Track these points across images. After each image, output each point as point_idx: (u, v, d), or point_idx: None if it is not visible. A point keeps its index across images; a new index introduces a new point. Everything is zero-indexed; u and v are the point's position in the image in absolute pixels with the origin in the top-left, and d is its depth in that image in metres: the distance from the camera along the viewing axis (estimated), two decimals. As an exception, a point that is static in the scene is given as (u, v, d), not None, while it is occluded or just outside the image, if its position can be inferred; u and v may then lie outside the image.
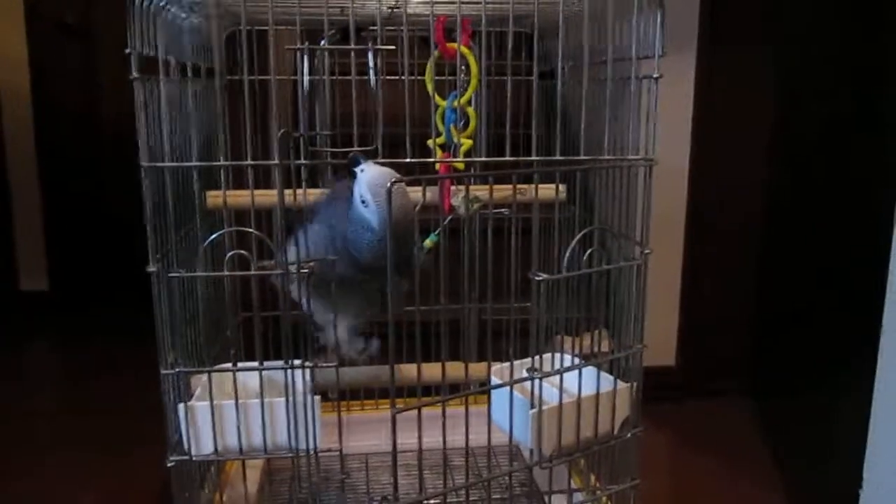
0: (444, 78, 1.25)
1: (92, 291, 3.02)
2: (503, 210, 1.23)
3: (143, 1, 0.96)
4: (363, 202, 0.98)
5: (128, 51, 0.93)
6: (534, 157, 0.99)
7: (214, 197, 1.30)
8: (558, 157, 0.98)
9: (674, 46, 1.08)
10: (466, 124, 1.24)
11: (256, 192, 1.04)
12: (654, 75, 1.00)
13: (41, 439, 2.06)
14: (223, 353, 1.27)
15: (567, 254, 0.94)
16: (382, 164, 1.00)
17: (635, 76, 1.03)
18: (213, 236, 0.97)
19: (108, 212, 2.98)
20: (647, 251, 1.02)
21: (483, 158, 1.00)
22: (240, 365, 1.02)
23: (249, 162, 0.95)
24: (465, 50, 1.22)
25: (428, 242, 1.33)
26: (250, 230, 0.97)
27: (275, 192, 0.97)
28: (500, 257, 1.02)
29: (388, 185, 0.85)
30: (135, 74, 0.93)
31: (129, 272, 2.43)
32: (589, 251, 0.96)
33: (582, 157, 1.00)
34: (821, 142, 2.04)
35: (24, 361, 2.67)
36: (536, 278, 0.92)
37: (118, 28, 2.80)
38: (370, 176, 0.97)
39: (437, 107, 1.24)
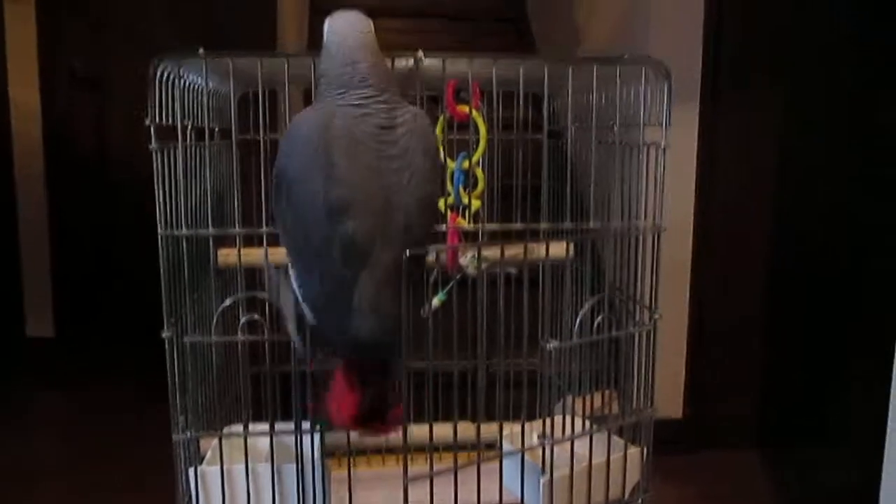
0: (453, 136, 1.27)
1: (98, 338, 3.02)
2: (512, 269, 1.25)
3: (163, 72, 0.98)
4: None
5: (147, 122, 0.95)
6: (543, 225, 1.00)
7: (226, 255, 1.32)
8: (567, 225, 0.99)
9: (677, 100, 1.10)
10: (475, 185, 1.26)
11: (270, 250, 1.06)
12: (662, 145, 1.02)
13: (45, 487, 2.04)
14: (234, 411, 1.27)
15: (577, 320, 0.95)
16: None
17: (642, 142, 1.05)
18: (227, 302, 0.98)
19: (116, 260, 3.01)
20: (656, 316, 1.03)
21: (493, 225, 1.01)
22: (250, 429, 1.03)
23: (265, 230, 0.97)
24: (474, 113, 1.25)
25: (436, 301, 1.34)
26: (263, 295, 0.98)
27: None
28: (509, 311, 1.03)
29: None
30: (154, 145, 0.95)
31: (135, 320, 2.46)
32: (599, 318, 0.97)
33: (590, 227, 1.01)
34: (826, 197, 2.05)
35: (28, 407, 2.66)
36: (548, 346, 0.93)
37: (128, 78, 2.85)
38: None
39: (446, 168, 1.26)
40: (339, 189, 0.82)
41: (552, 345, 0.93)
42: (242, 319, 0.97)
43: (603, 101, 1.12)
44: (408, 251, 0.84)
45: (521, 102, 0.99)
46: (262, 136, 1.19)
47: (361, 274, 0.83)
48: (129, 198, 2.84)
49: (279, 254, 1.12)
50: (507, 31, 3.39)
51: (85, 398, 2.68)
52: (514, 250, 1.21)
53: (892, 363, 1.28)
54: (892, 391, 1.29)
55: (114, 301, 3.00)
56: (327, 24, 0.89)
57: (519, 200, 1.09)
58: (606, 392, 1.18)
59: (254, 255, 1.12)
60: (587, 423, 1.10)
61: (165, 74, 0.99)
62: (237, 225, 1.02)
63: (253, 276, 1.14)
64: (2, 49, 2.92)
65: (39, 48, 2.96)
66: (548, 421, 1.02)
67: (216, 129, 1.26)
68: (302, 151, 0.84)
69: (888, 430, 1.29)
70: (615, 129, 1.07)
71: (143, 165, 1.06)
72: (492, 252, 1.28)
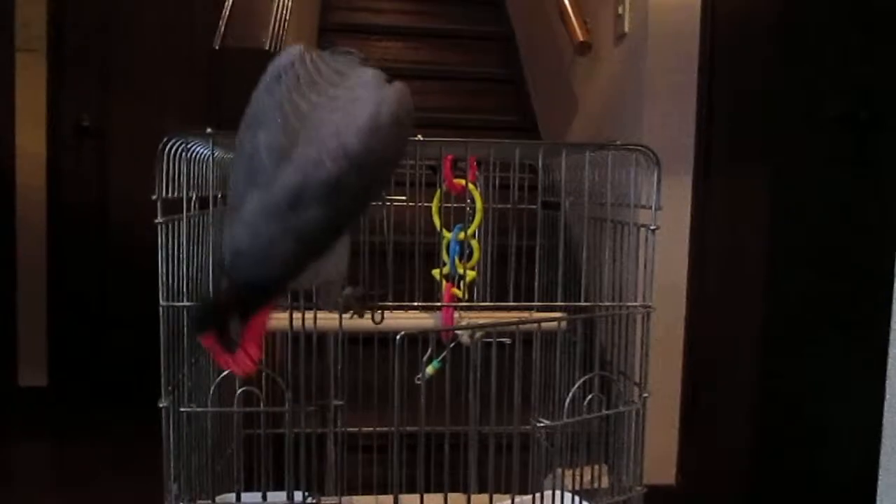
0: (450, 205, 1.31)
1: (91, 390, 3.01)
2: (505, 339, 1.27)
3: (173, 147, 1.02)
4: None
5: (154, 197, 0.98)
6: (535, 303, 1.03)
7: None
8: (559, 303, 1.02)
9: (667, 183, 1.14)
10: (471, 256, 1.30)
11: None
12: (652, 227, 1.05)
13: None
14: (226, 476, 1.28)
15: (567, 399, 0.97)
16: (390, 308, 1.04)
17: (633, 224, 1.09)
18: (225, 371, 0.99)
19: (114, 312, 3.01)
20: (645, 394, 1.05)
21: (487, 303, 1.03)
22: (243, 499, 1.03)
23: (263, 303, 0.99)
24: (471, 186, 1.29)
25: (430, 369, 1.36)
26: (260, 368, 1.00)
27: (284, 315, 1.01)
28: (503, 378, 1.05)
29: None
30: (159, 220, 0.98)
31: (131, 374, 2.47)
32: (589, 397, 0.99)
33: (582, 304, 1.04)
34: (818, 276, 2.08)
35: (20, 457, 2.64)
36: (538, 425, 0.95)
37: (133, 129, 2.91)
38: None
39: (443, 239, 1.30)
40: (261, 101, 0.82)
41: (542, 424, 0.94)
42: (239, 390, 0.99)
43: (596, 178, 1.16)
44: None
45: (515, 184, 1.03)
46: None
47: (253, 191, 0.78)
48: (129, 251, 2.87)
49: (278, 318, 1.14)
50: (506, 92, 3.47)
51: (76, 452, 2.66)
52: (507, 319, 1.24)
53: (880, 430, 1.30)
54: (882, 460, 1.30)
55: (110, 352, 3.00)
56: None
57: (513, 272, 1.12)
58: (596, 466, 1.19)
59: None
60: (577, 498, 1.11)
61: (173, 150, 1.03)
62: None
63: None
64: (11, 98, 2.98)
65: (48, 98, 3.02)
66: (538, 497, 1.03)
67: (219, 196, 1.30)
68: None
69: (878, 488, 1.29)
70: (607, 209, 1.11)
71: (146, 219, 1.08)
72: (486, 321, 1.30)
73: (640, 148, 1.04)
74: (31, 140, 3.00)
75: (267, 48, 2.21)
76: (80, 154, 3.05)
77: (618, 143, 1.05)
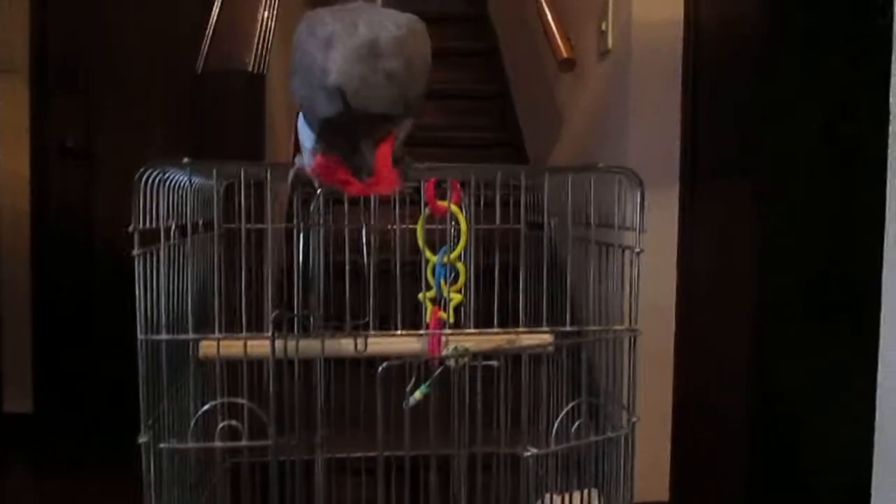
0: (434, 227, 1.30)
1: (78, 416, 2.97)
2: (493, 362, 1.26)
3: (150, 178, 1.00)
4: None
5: (130, 228, 0.96)
6: (521, 329, 1.01)
7: (208, 347, 1.32)
8: (545, 329, 1.01)
9: (653, 199, 1.13)
10: (456, 279, 1.28)
11: (250, 342, 1.06)
12: (636, 250, 1.04)
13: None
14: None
15: (555, 426, 0.96)
16: (374, 335, 1.02)
17: (617, 246, 1.08)
18: (205, 407, 0.98)
19: (98, 335, 2.98)
20: (634, 419, 1.04)
21: (472, 331, 1.02)
22: (226, 534, 1.01)
23: (244, 335, 0.98)
24: (454, 208, 1.28)
25: (418, 395, 1.34)
26: (242, 401, 0.98)
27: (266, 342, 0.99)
28: (490, 402, 1.04)
29: None
30: (136, 252, 0.97)
31: (116, 399, 2.43)
32: (577, 423, 0.97)
33: (567, 329, 1.03)
34: (806, 292, 2.08)
35: (4, 485, 2.60)
36: (525, 454, 0.93)
37: (118, 150, 2.88)
38: None
39: (427, 262, 1.28)
40: (322, 15, 0.92)
41: (530, 452, 0.93)
42: (221, 424, 0.97)
43: (581, 200, 1.15)
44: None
45: (498, 209, 1.02)
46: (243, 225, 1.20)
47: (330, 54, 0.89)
48: (116, 273, 2.84)
49: (262, 346, 1.13)
50: (493, 108, 3.48)
51: (61, 481, 2.62)
52: (494, 342, 1.23)
53: (871, 459, 1.29)
54: (874, 482, 1.30)
55: (97, 379, 2.96)
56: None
57: (497, 297, 1.11)
58: (587, 491, 1.17)
59: (235, 347, 1.13)
60: (567, 525, 1.09)
61: (150, 179, 1.01)
62: (218, 327, 1.02)
63: (235, 373, 1.14)
64: (-7, 119, 2.96)
65: (31, 119, 3.00)
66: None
67: (200, 223, 1.28)
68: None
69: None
70: (591, 230, 1.10)
71: (132, 242, 1.06)
72: (472, 344, 1.29)
73: (623, 170, 1.03)
74: (14, 161, 2.98)
75: (250, 70, 2.20)
76: (64, 176, 3.03)
77: (600, 165, 1.04)
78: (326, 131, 0.90)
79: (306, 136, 0.97)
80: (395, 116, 0.94)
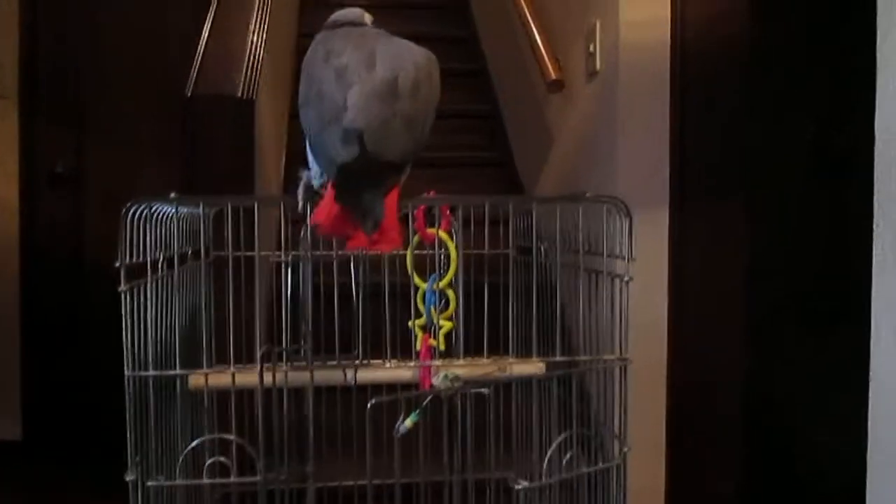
0: (424, 252, 1.30)
1: (66, 443, 2.94)
2: (483, 389, 1.25)
3: (136, 214, 1.00)
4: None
5: (117, 264, 0.96)
6: (511, 359, 1.01)
7: (197, 378, 1.31)
8: (534, 360, 1.00)
9: (643, 220, 1.13)
10: (446, 306, 1.28)
11: (238, 375, 1.05)
12: (626, 278, 1.04)
13: None
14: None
15: (546, 458, 0.95)
16: (364, 368, 1.02)
17: (605, 274, 1.08)
18: (193, 444, 0.96)
19: (88, 361, 2.95)
20: (625, 449, 1.03)
21: (462, 362, 1.02)
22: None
23: (232, 370, 0.97)
24: (444, 235, 1.28)
25: (409, 422, 1.33)
26: (231, 437, 0.97)
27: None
28: (480, 428, 1.04)
29: None
30: (123, 287, 0.96)
31: (104, 425, 2.40)
32: (568, 455, 0.97)
33: (558, 359, 1.02)
34: (800, 313, 2.08)
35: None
36: (516, 487, 0.93)
37: (107, 175, 2.87)
38: None
39: (417, 289, 1.28)
40: (334, 42, 0.95)
41: (521, 486, 0.92)
42: (209, 461, 0.96)
43: (570, 227, 1.15)
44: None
45: (487, 238, 1.02)
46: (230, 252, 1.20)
47: (350, 88, 0.89)
48: (106, 298, 2.81)
49: (250, 377, 1.12)
50: (484, 128, 3.49)
51: (51, 505, 2.59)
52: (485, 370, 1.22)
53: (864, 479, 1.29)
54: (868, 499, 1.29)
55: (87, 406, 2.92)
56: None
57: (486, 325, 1.10)
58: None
59: (224, 379, 1.12)
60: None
61: (137, 214, 1.00)
62: (206, 360, 1.02)
63: (225, 404, 1.13)
64: (-18, 145, 2.95)
65: (21, 144, 2.99)
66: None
67: (189, 252, 1.27)
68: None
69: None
70: (580, 259, 1.10)
71: (118, 276, 1.05)
72: (463, 371, 1.29)
73: (611, 200, 1.03)
74: (3, 186, 2.97)
75: (240, 94, 2.20)
76: (53, 201, 3.01)
77: (588, 194, 1.04)
78: (339, 176, 0.88)
79: (314, 171, 0.97)
80: (404, 164, 0.93)
